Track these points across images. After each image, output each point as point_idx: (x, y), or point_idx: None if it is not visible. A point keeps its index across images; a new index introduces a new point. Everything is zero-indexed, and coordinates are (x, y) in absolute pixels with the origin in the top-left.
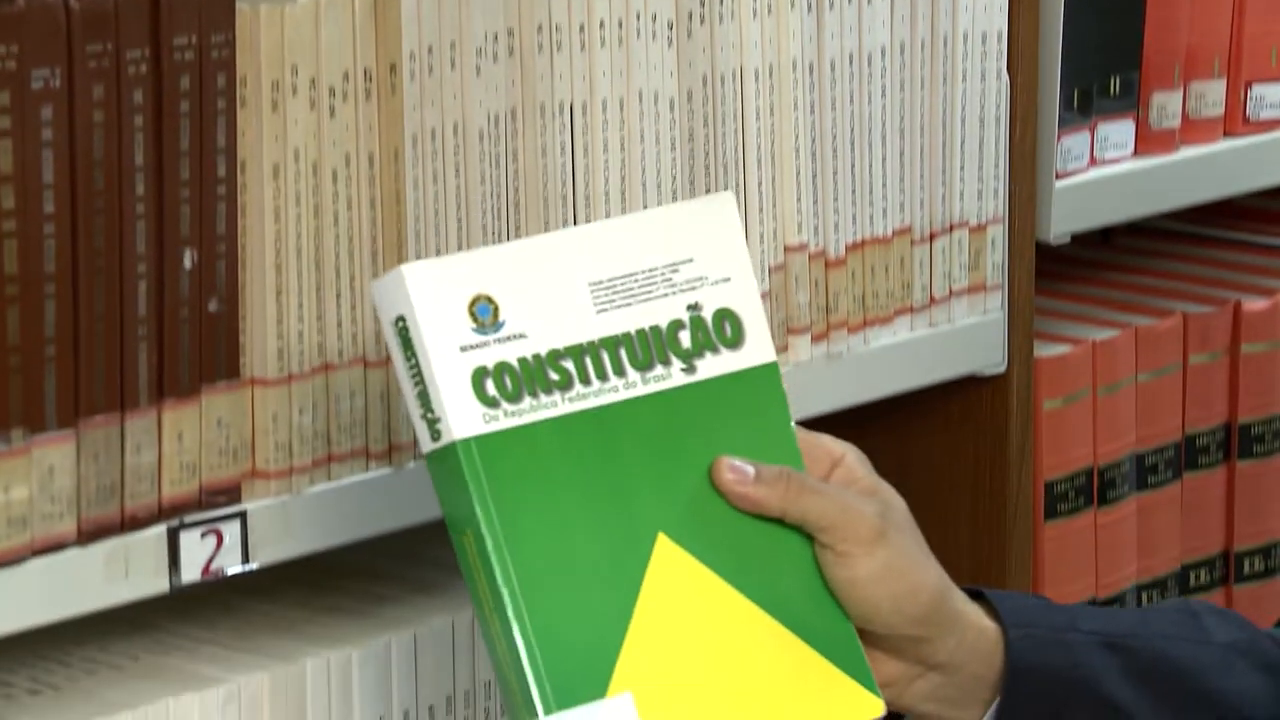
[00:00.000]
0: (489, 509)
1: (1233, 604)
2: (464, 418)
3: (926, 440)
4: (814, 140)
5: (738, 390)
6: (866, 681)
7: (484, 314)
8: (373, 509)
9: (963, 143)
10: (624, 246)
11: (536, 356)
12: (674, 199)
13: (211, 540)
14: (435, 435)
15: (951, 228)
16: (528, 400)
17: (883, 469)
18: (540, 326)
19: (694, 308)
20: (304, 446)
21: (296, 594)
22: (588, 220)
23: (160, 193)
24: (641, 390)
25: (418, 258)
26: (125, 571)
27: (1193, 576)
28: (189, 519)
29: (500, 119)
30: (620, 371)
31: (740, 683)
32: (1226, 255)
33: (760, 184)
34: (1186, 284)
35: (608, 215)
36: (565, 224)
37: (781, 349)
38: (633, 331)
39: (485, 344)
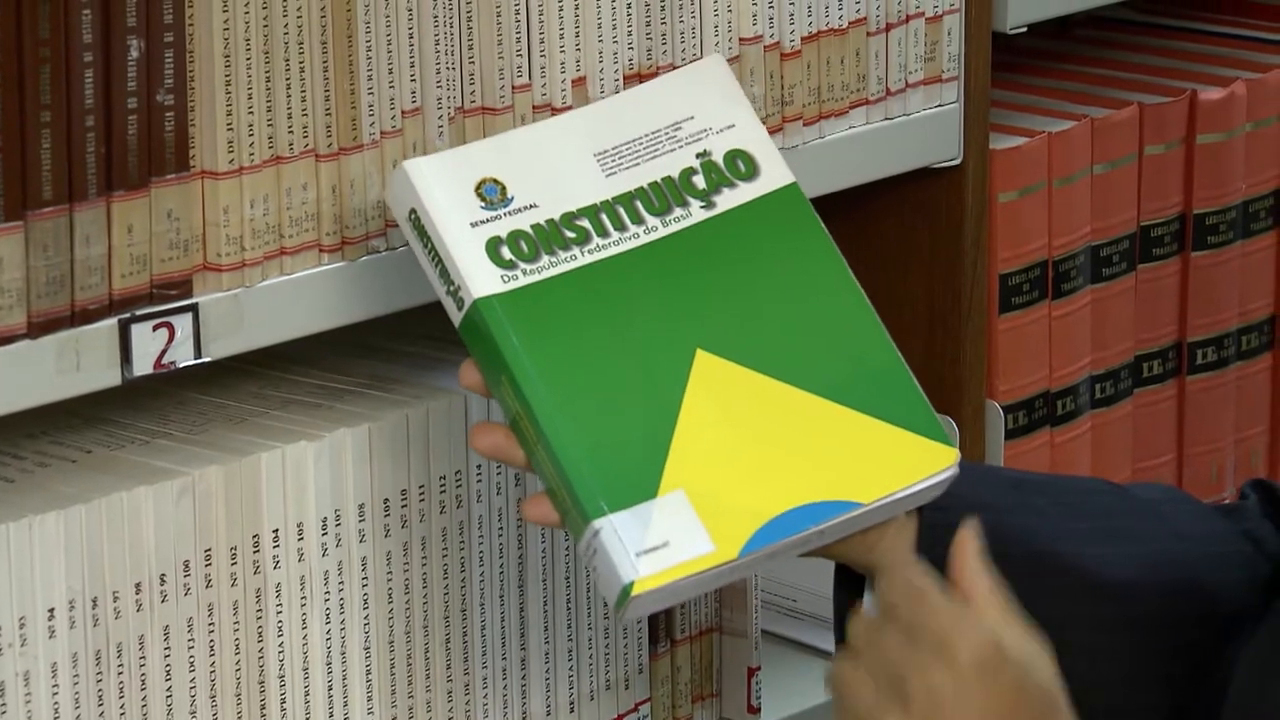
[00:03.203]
0: (515, 351)
1: (1185, 395)
2: (480, 279)
3: (881, 233)
4: None
5: (762, 214)
6: (936, 434)
7: (491, 193)
8: (326, 302)
9: None
10: (622, 118)
11: (550, 221)
12: None
13: (164, 333)
14: (459, 304)
15: (908, 18)
16: (546, 259)
17: None
18: (550, 196)
19: (703, 155)
20: (256, 240)
21: (250, 388)
22: None
23: None
24: (663, 232)
25: (368, 46)
26: (77, 364)
27: (1145, 368)
28: (140, 312)
29: None
30: (638, 220)
31: (803, 464)
32: (1183, 45)
33: None
34: (1143, 74)
35: None
36: None
37: None
38: (645, 185)
39: (496, 218)
